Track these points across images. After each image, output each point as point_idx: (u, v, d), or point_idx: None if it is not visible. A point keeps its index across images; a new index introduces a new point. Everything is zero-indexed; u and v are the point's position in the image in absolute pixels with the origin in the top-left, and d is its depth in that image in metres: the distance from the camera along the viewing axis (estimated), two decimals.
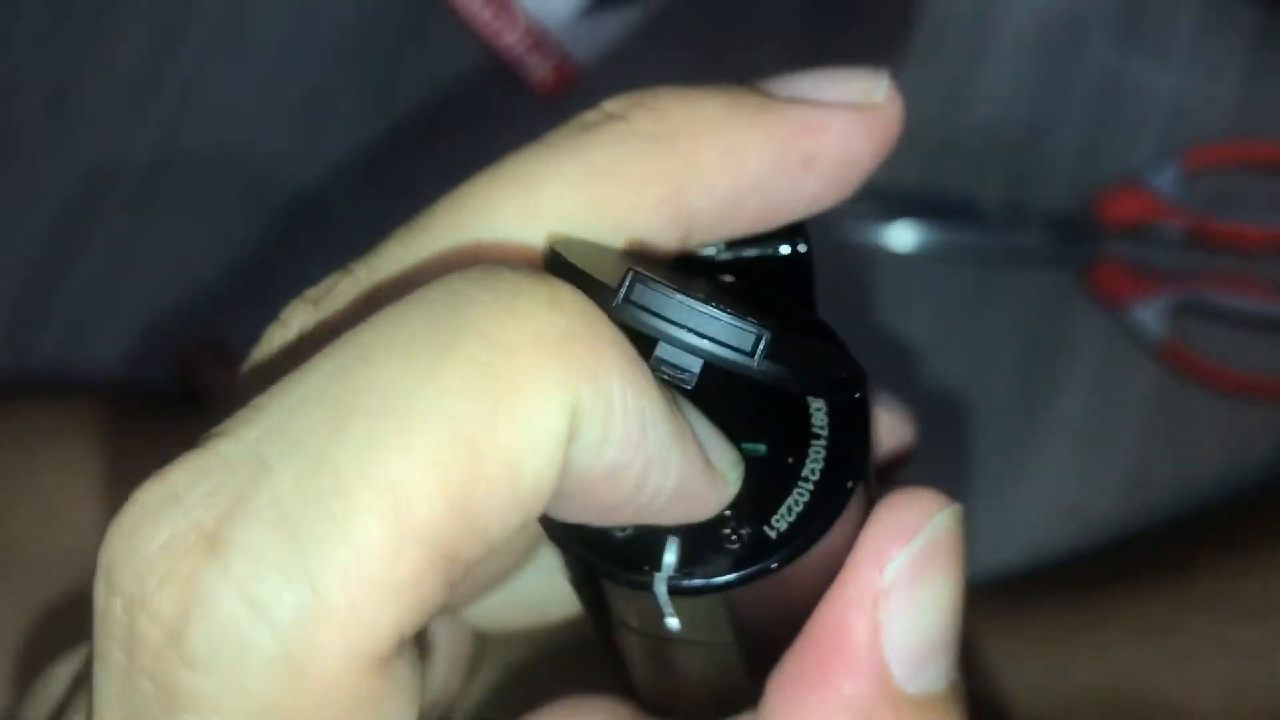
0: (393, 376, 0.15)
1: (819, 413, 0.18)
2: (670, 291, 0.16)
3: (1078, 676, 0.38)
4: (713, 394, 0.17)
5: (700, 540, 0.18)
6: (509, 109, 0.48)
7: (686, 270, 0.20)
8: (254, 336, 0.19)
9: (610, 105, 0.19)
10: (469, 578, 0.21)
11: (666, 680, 0.20)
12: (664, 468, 0.16)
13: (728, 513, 0.18)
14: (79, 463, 0.38)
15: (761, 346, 0.16)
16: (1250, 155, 0.47)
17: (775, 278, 0.20)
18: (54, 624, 0.35)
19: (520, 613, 0.23)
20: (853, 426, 0.18)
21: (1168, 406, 0.45)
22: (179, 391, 0.45)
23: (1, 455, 0.39)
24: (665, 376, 0.16)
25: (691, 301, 0.16)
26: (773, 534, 0.18)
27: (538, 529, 0.18)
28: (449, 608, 0.22)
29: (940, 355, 0.46)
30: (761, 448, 0.18)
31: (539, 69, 0.47)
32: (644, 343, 0.16)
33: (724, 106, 0.18)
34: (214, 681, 0.14)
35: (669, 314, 0.16)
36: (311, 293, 0.19)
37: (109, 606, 0.15)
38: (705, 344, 0.16)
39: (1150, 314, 0.45)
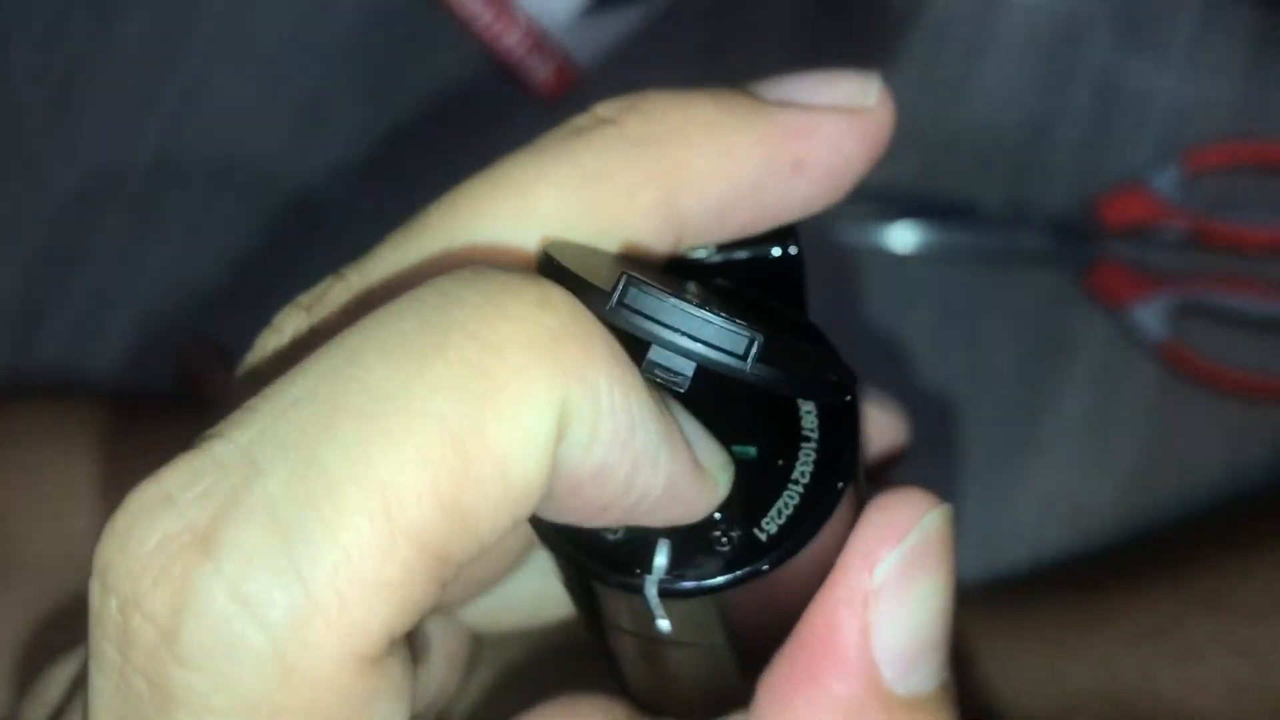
0: (382, 377, 0.15)
1: (809, 415, 0.18)
2: (663, 295, 0.16)
3: (1078, 677, 0.38)
4: (703, 398, 0.17)
5: (691, 542, 0.18)
6: (510, 111, 0.48)
7: (678, 273, 0.20)
8: (254, 339, 0.19)
9: (602, 109, 0.19)
10: (463, 579, 0.21)
11: (659, 681, 0.21)
12: (653, 467, 0.16)
13: (718, 515, 0.18)
14: (80, 463, 0.38)
15: (754, 350, 0.16)
16: (1250, 156, 0.47)
17: (767, 280, 0.20)
18: (54, 624, 0.35)
19: (515, 614, 0.24)
20: (842, 429, 0.18)
21: (1168, 407, 0.45)
22: (179, 393, 0.45)
23: (3, 455, 0.39)
24: (658, 380, 0.16)
25: (684, 305, 0.16)
26: (763, 536, 0.18)
27: (531, 532, 0.19)
28: (445, 608, 0.22)
29: (940, 356, 0.46)
30: (752, 450, 0.18)
31: (540, 71, 0.47)
32: (636, 346, 0.16)
33: (715, 110, 0.18)
34: (207, 680, 0.14)
35: (662, 317, 0.16)
36: (304, 298, 0.19)
37: (104, 606, 0.15)
38: (698, 347, 0.16)
39: (1150, 314, 0.45)
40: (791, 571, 0.18)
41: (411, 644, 0.17)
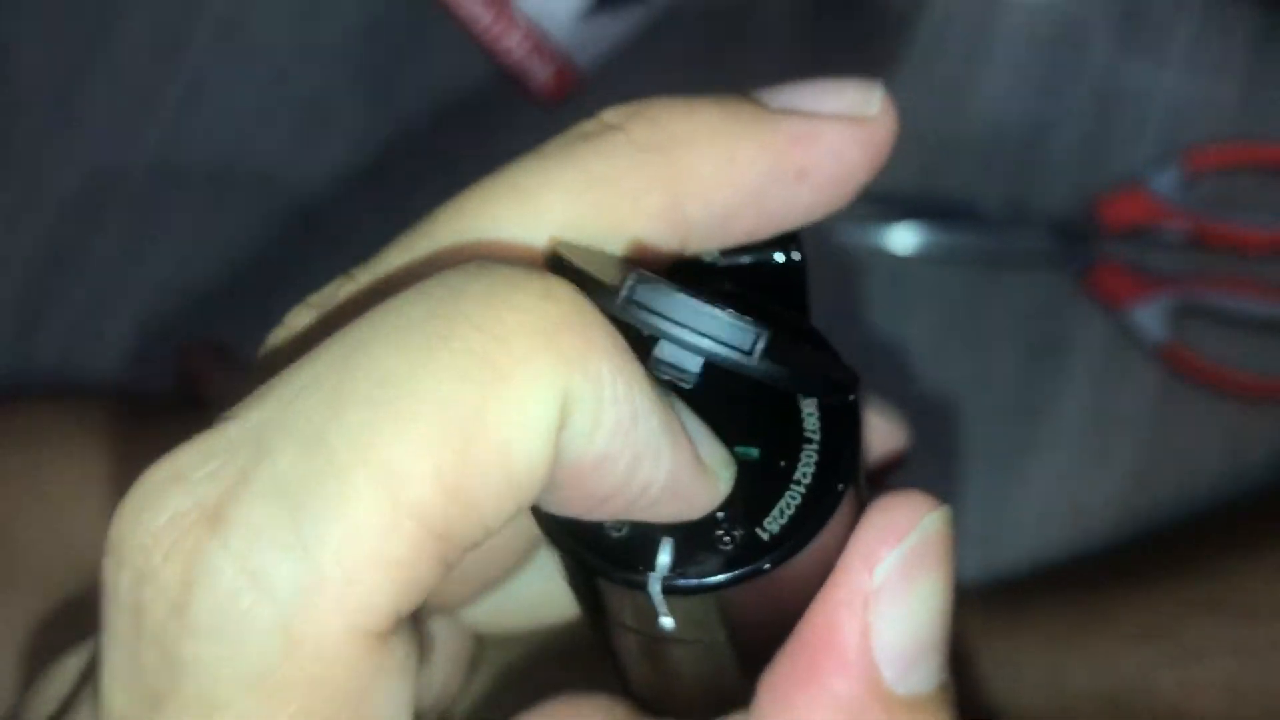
0: (389, 364, 0.15)
1: (810, 417, 0.19)
2: (672, 291, 0.16)
3: (1078, 678, 0.38)
4: (708, 399, 0.18)
5: (694, 541, 0.18)
6: (510, 113, 0.48)
7: (682, 276, 0.20)
8: (255, 340, 0.19)
9: (608, 115, 0.19)
10: (466, 579, 0.22)
11: (661, 679, 0.21)
12: (654, 460, 0.16)
13: (721, 514, 0.18)
14: (81, 464, 0.38)
15: (760, 346, 0.16)
16: (1250, 157, 0.47)
17: (769, 285, 0.20)
18: (54, 625, 0.35)
19: (518, 615, 0.24)
20: (844, 430, 0.18)
21: (1167, 408, 0.45)
22: (179, 394, 0.45)
23: (4, 457, 0.39)
24: (664, 376, 0.17)
25: (693, 301, 0.16)
26: (765, 535, 0.18)
27: (534, 533, 0.19)
28: (448, 608, 0.22)
29: (941, 356, 0.46)
30: (754, 451, 0.18)
31: (540, 73, 0.48)
32: (641, 346, 0.17)
33: (720, 117, 0.19)
34: (215, 650, 0.15)
35: (670, 313, 0.16)
36: (315, 298, 0.19)
37: (117, 580, 0.15)
38: (705, 342, 0.16)
39: (1150, 316, 0.45)
40: (793, 571, 0.18)
41: (418, 626, 0.17)
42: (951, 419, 0.45)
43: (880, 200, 0.46)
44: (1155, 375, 0.45)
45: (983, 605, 0.40)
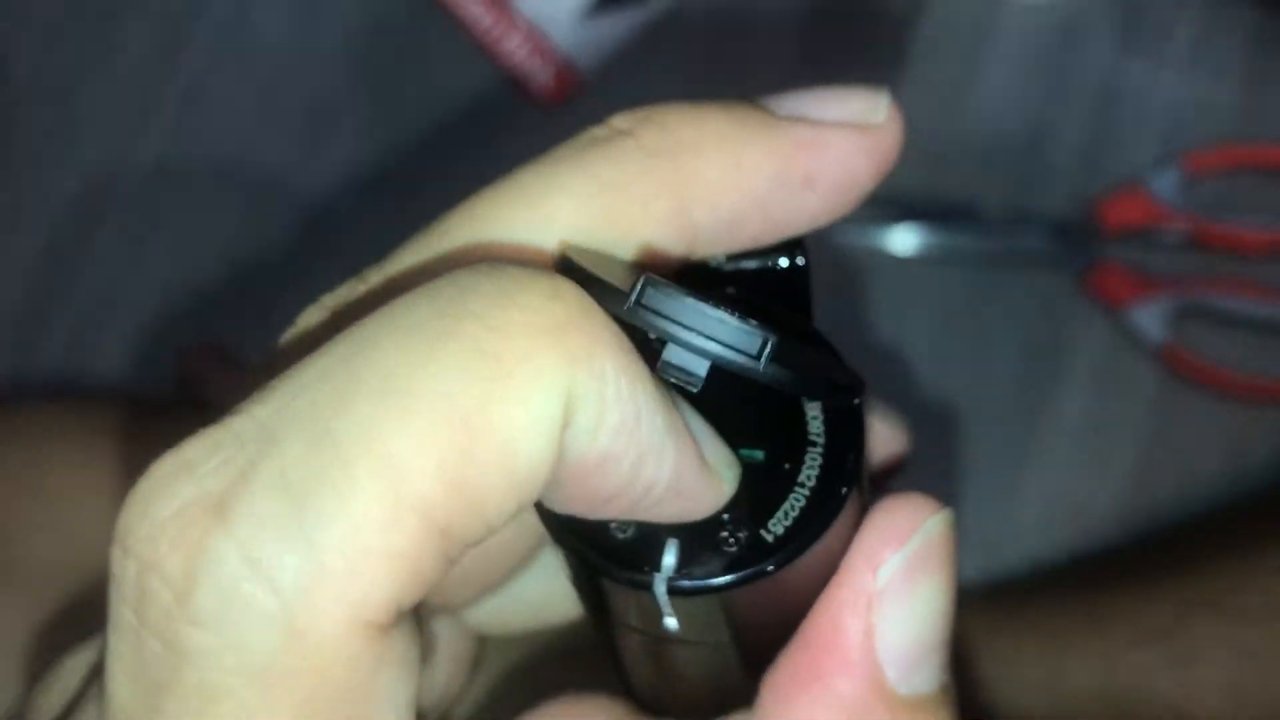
0: (395, 360, 0.16)
1: (815, 421, 0.19)
2: (681, 295, 0.16)
3: (1078, 679, 0.38)
4: (713, 402, 0.18)
5: (699, 542, 0.18)
6: (511, 115, 0.48)
7: (689, 280, 0.20)
8: (255, 340, 0.20)
9: (618, 121, 0.19)
10: (469, 579, 0.22)
11: (664, 679, 0.21)
12: (658, 459, 0.17)
13: (726, 516, 0.18)
14: (83, 466, 0.38)
15: (768, 350, 0.17)
16: (1250, 159, 0.47)
17: (774, 289, 0.20)
18: (54, 625, 0.35)
19: (520, 615, 0.24)
20: (848, 434, 0.19)
21: (1168, 409, 0.45)
22: (180, 396, 0.45)
23: (6, 458, 0.39)
24: (672, 380, 0.17)
25: (701, 305, 0.16)
26: (769, 537, 0.18)
27: (537, 532, 0.19)
28: (450, 609, 0.23)
29: (941, 358, 0.46)
30: (759, 454, 0.18)
31: (540, 75, 0.48)
32: (649, 351, 0.17)
33: (728, 123, 0.19)
34: (218, 640, 0.15)
35: (679, 317, 0.17)
36: (327, 298, 0.19)
37: (123, 570, 0.16)
38: (713, 346, 0.17)
39: (1150, 317, 0.45)
40: (797, 573, 0.18)
41: (420, 625, 0.17)
42: (951, 419, 0.45)
43: (882, 201, 0.46)
44: (1155, 376, 0.45)
45: (983, 606, 0.40)
